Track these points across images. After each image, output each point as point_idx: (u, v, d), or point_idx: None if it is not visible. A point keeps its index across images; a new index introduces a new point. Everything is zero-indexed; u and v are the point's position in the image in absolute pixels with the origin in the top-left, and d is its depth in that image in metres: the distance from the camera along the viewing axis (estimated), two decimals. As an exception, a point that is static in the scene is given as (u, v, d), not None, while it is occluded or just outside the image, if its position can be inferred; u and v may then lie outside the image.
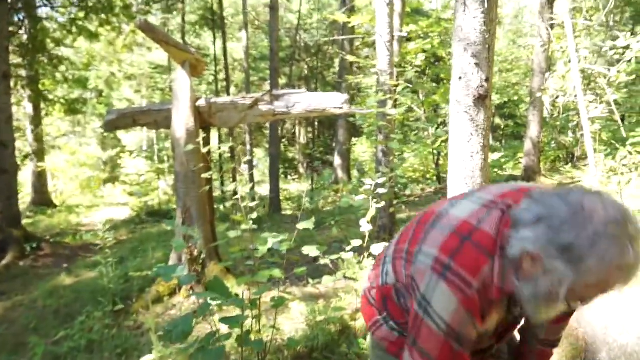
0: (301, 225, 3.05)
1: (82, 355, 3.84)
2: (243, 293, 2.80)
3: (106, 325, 4.30)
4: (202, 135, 4.27)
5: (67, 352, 3.89)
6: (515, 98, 15.82)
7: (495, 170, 11.72)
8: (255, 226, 3.30)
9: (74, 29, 10.20)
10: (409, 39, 9.47)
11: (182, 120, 4.44)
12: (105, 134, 20.10)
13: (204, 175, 3.83)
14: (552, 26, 8.95)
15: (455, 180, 3.42)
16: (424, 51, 10.16)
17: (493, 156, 12.40)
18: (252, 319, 3.10)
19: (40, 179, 13.94)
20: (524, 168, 10.11)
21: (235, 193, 3.49)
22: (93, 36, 10.50)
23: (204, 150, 3.72)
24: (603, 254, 0.95)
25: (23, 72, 11.32)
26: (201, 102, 4.54)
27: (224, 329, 3.46)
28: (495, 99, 14.82)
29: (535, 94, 9.47)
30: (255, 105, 4.33)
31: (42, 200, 13.95)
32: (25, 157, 12.77)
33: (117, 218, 12.32)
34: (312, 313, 3.69)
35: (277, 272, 3.04)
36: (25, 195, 14.97)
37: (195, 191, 4.56)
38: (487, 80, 3.68)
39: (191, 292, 4.60)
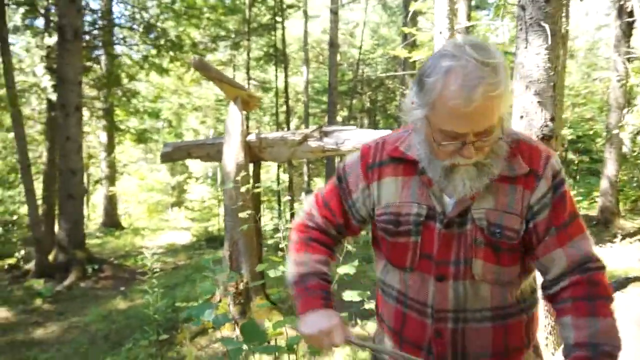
0: (342, 270, 2.90)
1: (124, 385, 3.85)
2: (276, 339, 2.67)
3: (150, 354, 4.32)
4: (251, 169, 4.29)
5: (111, 381, 3.92)
6: (590, 132, 14.90)
7: (566, 210, 10.92)
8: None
9: (146, 65, 10.85)
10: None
11: (232, 154, 4.47)
12: (174, 161, 20.93)
13: (242, 215, 3.76)
14: (629, 60, 8.38)
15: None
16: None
17: (564, 195, 11.62)
18: (289, 365, 2.96)
19: (110, 202, 14.72)
20: (600, 208, 9.36)
21: (277, 229, 3.41)
22: (164, 71, 11.10)
23: (248, 187, 3.69)
24: (439, 67, 0.97)
25: (98, 104, 12.13)
26: (251, 137, 4.57)
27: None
28: (568, 133, 14.04)
29: (613, 130, 8.83)
30: (304, 141, 4.29)
31: (112, 222, 14.68)
32: (97, 182, 13.54)
33: (179, 242, 12.68)
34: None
35: (314, 317, 2.89)
36: (97, 217, 15.86)
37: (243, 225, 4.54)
38: (552, 119, 3.41)
39: (235, 325, 4.54)
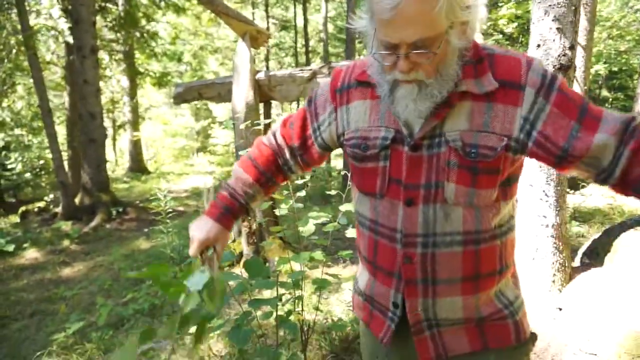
0: (344, 207, 2.88)
1: (143, 319, 4.03)
2: (277, 273, 2.72)
3: (168, 291, 4.50)
4: (262, 109, 4.22)
5: (131, 315, 4.11)
6: (626, 68, 14.12)
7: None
8: (300, 205, 3.19)
9: (163, 4, 10.63)
10: (496, 4, 8.78)
11: (242, 93, 4.40)
12: (198, 105, 21.14)
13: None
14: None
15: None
16: (518, 17, 9.33)
17: (593, 133, 11.22)
18: (295, 299, 3.02)
19: (135, 147, 14.97)
20: (628, 148, 9.02)
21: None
22: (180, 10, 10.87)
23: (247, 123, 3.63)
24: None
25: (117, 47, 12.05)
26: (260, 75, 4.47)
27: (265, 308, 3.46)
28: (602, 68, 13.32)
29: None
30: (313, 78, 4.17)
31: (138, 167, 15.01)
32: (120, 126, 13.70)
33: (203, 186, 12.92)
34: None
35: (318, 255, 2.92)
36: (124, 163, 16.23)
37: (255, 165, 4.54)
38: (571, 48, 3.21)
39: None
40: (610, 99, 17.48)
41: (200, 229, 1.26)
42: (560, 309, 2.89)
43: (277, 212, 3.23)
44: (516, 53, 1.07)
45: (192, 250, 1.25)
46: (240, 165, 1.36)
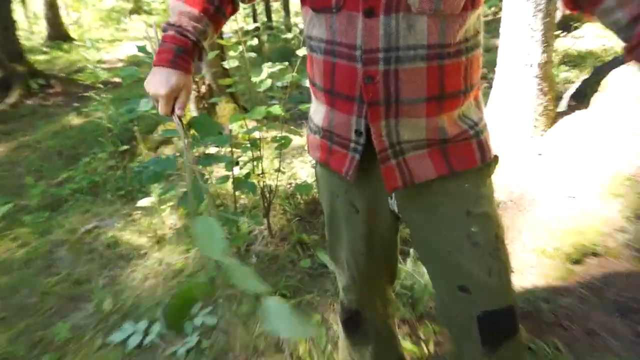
0: (302, 52, 2.76)
1: (84, 197, 4.01)
2: (230, 131, 2.67)
3: (110, 166, 4.44)
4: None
5: (69, 194, 4.07)
6: None
7: None
8: (252, 54, 3.05)
9: None
10: None
11: None
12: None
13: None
14: None
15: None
16: None
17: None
18: (254, 161, 3.02)
19: (52, 9, 13.82)
20: None
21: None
22: None
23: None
24: None
25: None
26: None
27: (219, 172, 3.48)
28: None
29: None
30: None
31: (58, 34, 13.98)
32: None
33: (140, 54, 12.29)
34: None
35: (276, 109, 2.85)
36: (41, 31, 15.12)
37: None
38: None
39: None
40: None
41: (159, 82, 1.19)
42: (540, 155, 3.00)
43: (225, 64, 3.08)
44: None
45: (162, 108, 1.21)
46: None
